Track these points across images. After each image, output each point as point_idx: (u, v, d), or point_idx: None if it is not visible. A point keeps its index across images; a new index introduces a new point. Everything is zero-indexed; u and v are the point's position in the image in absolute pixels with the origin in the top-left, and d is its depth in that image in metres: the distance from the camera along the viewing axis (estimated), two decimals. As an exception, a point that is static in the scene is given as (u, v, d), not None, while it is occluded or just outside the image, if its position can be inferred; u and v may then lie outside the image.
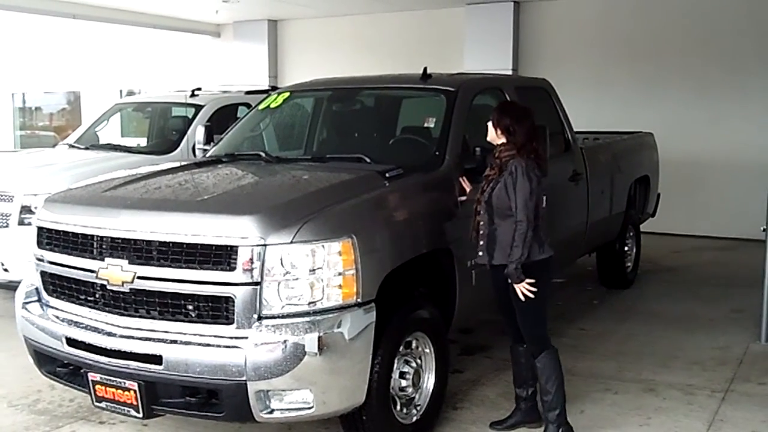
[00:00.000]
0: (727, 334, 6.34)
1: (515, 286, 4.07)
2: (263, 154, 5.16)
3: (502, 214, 4.10)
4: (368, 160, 4.74)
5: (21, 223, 6.53)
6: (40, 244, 4.29)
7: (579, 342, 6.07)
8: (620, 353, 5.85)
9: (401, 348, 4.11)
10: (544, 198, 4.27)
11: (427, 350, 4.35)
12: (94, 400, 3.93)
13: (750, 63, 10.32)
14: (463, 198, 4.60)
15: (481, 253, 4.22)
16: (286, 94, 6.02)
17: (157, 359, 3.68)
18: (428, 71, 5.51)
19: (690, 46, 10.69)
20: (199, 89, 9.08)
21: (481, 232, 4.20)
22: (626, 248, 7.82)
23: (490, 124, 4.23)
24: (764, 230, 6.16)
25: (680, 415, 4.71)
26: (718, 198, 10.60)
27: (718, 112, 10.56)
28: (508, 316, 4.36)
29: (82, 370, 3.95)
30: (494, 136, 4.21)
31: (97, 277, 3.88)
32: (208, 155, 5.58)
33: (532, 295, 4.05)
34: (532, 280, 4.04)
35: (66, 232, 4.10)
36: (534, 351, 4.23)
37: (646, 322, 6.74)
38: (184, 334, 3.70)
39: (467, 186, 4.62)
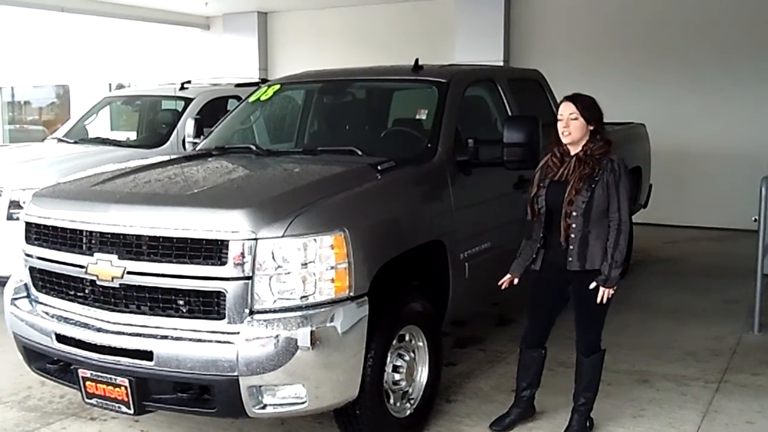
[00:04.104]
0: (720, 325, 6.34)
1: (603, 290, 3.89)
2: (254, 147, 5.13)
3: (597, 215, 3.88)
4: (360, 152, 4.70)
5: (9, 218, 6.47)
6: (28, 240, 4.24)
7: (572, 334, 6.02)
8: (614, 344, 5.80)
9: (394, 341, 4.08)
10: None
11: (421, 343, 4.33)
12: (84, 396, 3.89)
13: (742, 54, 10.31)
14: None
15: (571, 259, 3.94)
16: (277, 87, 5.98)
17: (147, 355, 3.64)
18: (419, 63, 5.47)
19: (682, 37, 10.68)
20: (188, 82, 9.04)
21: (572, 236, 3.91)
22: (619, 239, 7.80)
23: (578, 122, 3.91)
24: (756, 220, 6.16)
25: (674, 406, 4.71)
26: (711, 188, 10.61)
27: (710, 102, 10.56)
28: (543, 320, 4.24)
29: (72, 367, 3.90)
30: (584, 133, 3.93)
31: (86, 273, 3.84)
32: (198, 148, 5.53)
33: (607, 299, 3.93)
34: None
35: (54, 228, 4.05)
36: (586, 351, 4.15)
37: (639, 313, 6.74)
38: (175, 329, 3.66)
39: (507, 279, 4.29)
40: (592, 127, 3.95)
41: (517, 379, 4.41)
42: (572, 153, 4.00)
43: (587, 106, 3.97)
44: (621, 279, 7.54)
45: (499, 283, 4.28)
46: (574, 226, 3.91)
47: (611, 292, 3.92)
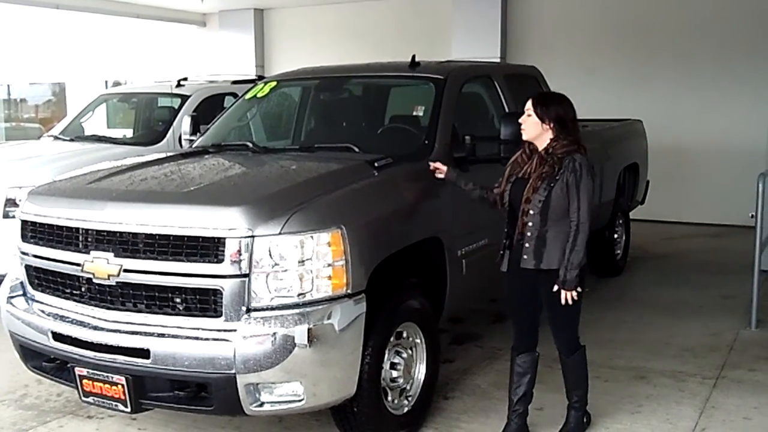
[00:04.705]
0: (717, 321, 6.34)
1: (564, 291, 3.84)
2: (250, 145, 5.12)
3: (557, 215, 3.81)
4: (357, 149, 4.69)
5: (6, 216, 6.45)
6: (24, 238, 4.22)
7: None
8: (611, 341, 5.84)
9: (392, 339, 4.08)
10: None
11: (418, 340, 4.32)
12: (81, 394, 3.88)
13: (740, 50, 10.30)
14: (441, 176, 4.42)
15: (526, 257, 3.89)
16: (273, 84, 5.96)
17: (144, 353, 3.63)
18: (416, 59, 5.46)
19: (679, 34, 10.67)
20: (185, 79, 9.00)
21: (529, 234, 3.86)
22: (616, 236, 7.82)
23: (531, 119, 3.89)
24: (753, 216, 6.17)
25: (672, 402, 4.71)
26: (708, 185, 10.61)
27: (707, 99, 10.56)
28: (525, 322, 4.14)
29: (68, 365, 3.90)
30: (538, 131, 3.89)
31: (82, 271, 3.83)
32: (194, 146, 5.52)
33: (572, 300, 3.87)
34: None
35: (50, 225, 4.04)
36: (566, 351, 4.11)
37: (636, 309, 6.74)
38: (172, 327, 3.65)
39: (442, 167, 4.41)
40: (547, 126, 3.87)
41: (510, 390, 4.19)
42: (539, 151, 3.95)
43: (544, 105, 3.91)
44: (618, 276, 7.73)
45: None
46: (530, 224, 3.86)
47: (574, 294, 3.85)
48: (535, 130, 3.92)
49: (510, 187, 4.01)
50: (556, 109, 3.90)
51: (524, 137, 3.98)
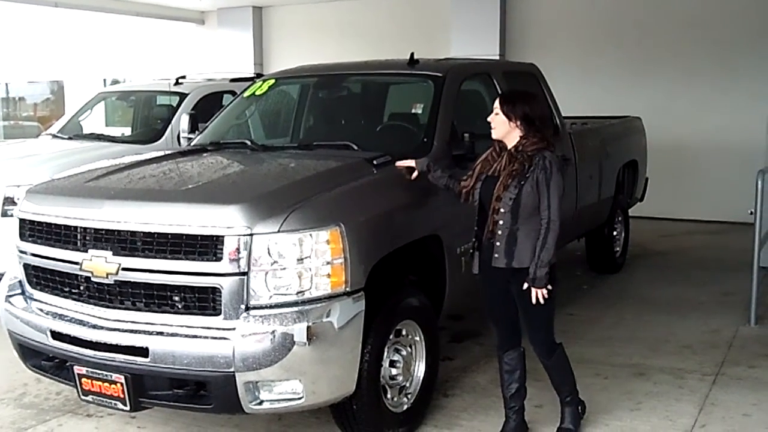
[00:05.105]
0: (716, 318, 6.34)
1: (534, 290, 3.81)
2: (249, 143, 5.12)
3: (527, 213, 3.78)
4: (356, 147, 4.69)
5: (4, 214, 6.44)
6: (22, 236, 4.22)
7: (568, 327, 6.04)
8: (610, 338, 5.84)
9: (391, 336, 4.08)
10: None
11: (417, 338, 4.32)
12: (80, 393, 3.88)
13: (738, 47, 10.29)
14: (416, 175, 4.36)
15: (497, 255, 3.85)
16: (272, 81, 5.95)
17: (143, 351, 3.63)
18: (415, 57, 5.45)
19: (678, 31, 10.66)
20: (183, 77, 8.98)
21: (500, 232, 3.83)
22: (615, 233, 7.82)
23: (498, 117, 3.87)
24: (752, 213, 6.17)
25: (671, 399, 4.71)
26: (707, 182, 10.60)
27: (706, 96, 10.55)
28: (504, 321, 4.11)
29: (67, 364, 3.90)
30: (506, 129, 3.86)
31: (81, 269, 3.82)
32: (193, 144, 5.51)
33: (544, 300, 3.84)
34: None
35: (49, 224, 4.04)
36: (543, 353, 4.08)
37: (635, 306, 6.74)
38: (171, 325, 3.65)
39: (411, 163, 4.35)
40: (514, 124, 3.84)
41: (503, 388, 4.18)
42: (508, 149, 3.92)
43: (511, 103, 3.88)
44: (617, 273, 7.73)
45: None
46: (501, 222, 3.82)
47: (544, 292, 3.82)
48: (503, 128, 3.89)
49: (480, 185, 3.98)
50: (522, 107, 3.87)
51: (494, 136, 3.95)
